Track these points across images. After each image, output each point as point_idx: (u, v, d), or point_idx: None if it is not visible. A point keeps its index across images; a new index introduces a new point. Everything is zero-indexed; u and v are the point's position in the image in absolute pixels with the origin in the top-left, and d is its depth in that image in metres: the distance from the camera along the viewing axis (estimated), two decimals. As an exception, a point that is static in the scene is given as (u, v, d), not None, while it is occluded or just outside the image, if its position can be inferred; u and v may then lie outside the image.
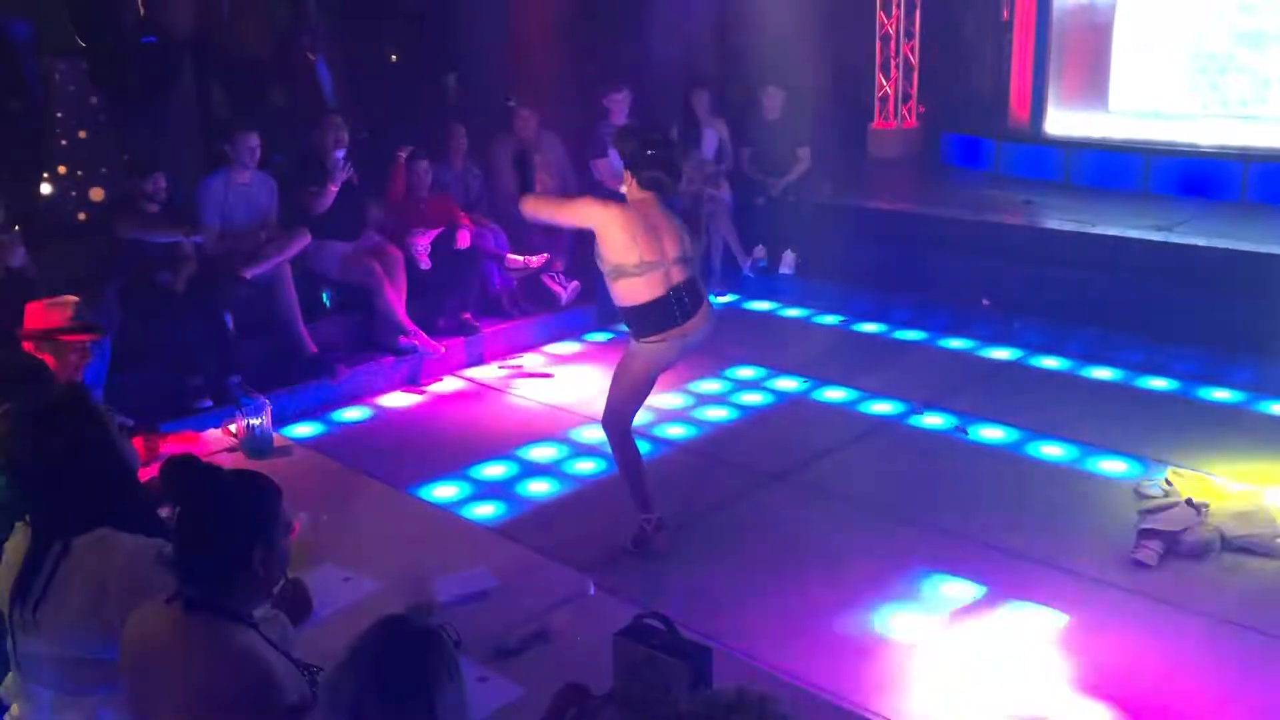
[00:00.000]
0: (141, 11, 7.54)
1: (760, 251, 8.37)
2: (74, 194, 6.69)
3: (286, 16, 7.90)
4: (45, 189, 6.70)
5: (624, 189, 4.37)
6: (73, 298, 3.92)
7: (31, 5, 7.48)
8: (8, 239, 5.57)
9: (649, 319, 4.26)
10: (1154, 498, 4.79)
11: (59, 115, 6.69)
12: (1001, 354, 6.91)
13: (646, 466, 4.65)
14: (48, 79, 6.69)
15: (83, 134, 6.73)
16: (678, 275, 4.27)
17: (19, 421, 2.46)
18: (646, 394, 4.57)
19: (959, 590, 4.29)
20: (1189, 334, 6.44)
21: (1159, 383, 6.34)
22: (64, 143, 6.69)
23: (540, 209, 4.63)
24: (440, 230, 6.95)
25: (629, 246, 4.19)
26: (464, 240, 6.99)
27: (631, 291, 4.25)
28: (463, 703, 1.93)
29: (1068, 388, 6.40)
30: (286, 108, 7.42)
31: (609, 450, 4.74)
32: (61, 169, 6.68)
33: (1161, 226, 7.22)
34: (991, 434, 5.72)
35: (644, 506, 4.55)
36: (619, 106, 8.05)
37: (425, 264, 6.89)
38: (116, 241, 6.03)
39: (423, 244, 6.90)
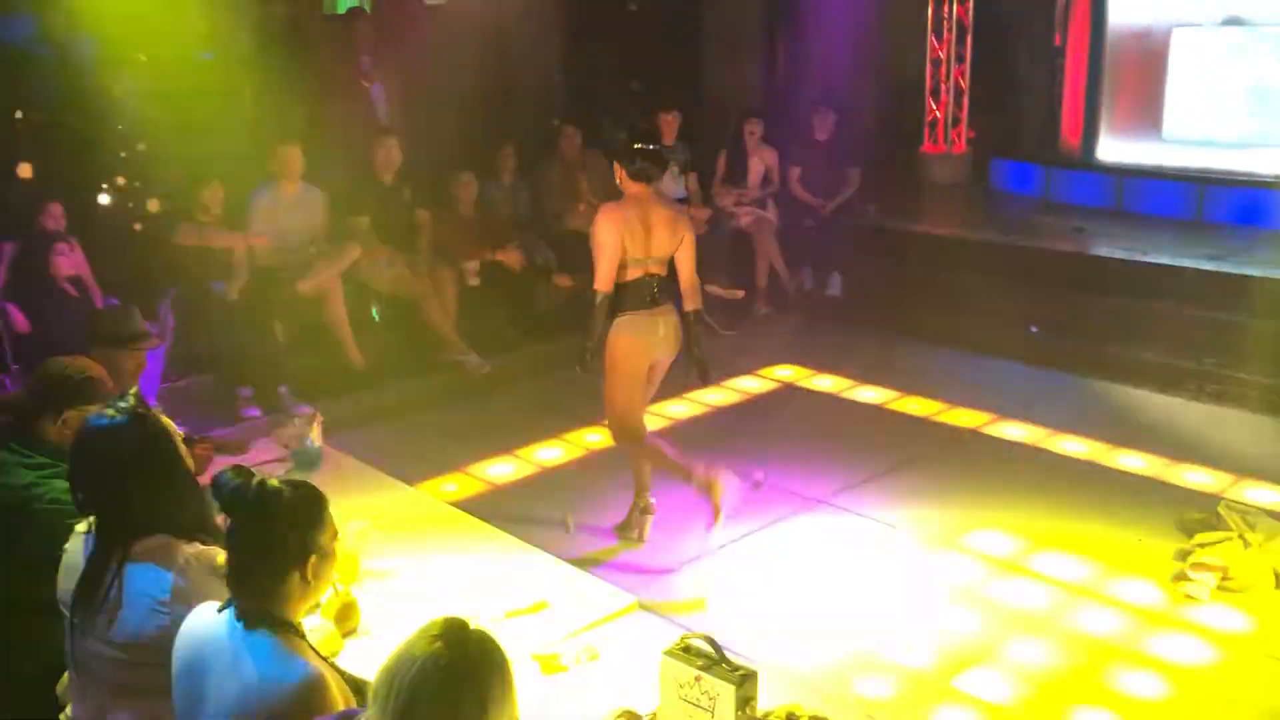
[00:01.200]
0: (201, 28, 7.68)
1: (806, 273, 8.35)
2: (131, 205, 6.81)
3: (342, 38, 8.00)
4: (104, 199, 6.83)
5: (616, 181, 4.65)
6: (132, 307, 3.97)
7: (94, 22, 7.64)
8: (68, 248, 5.70)
9: (625, 297, 4.59)
10: (1207, 528, 4.71)
11: (119, 128, 6.81)
12: (1051, 379, 6.85)
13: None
14: (109, 94, 6.82)
15: (141, 146, 6.85)
16: (655, 269, 4.62)
17: (85, 429, 2.51)
18: (645, 391, 4.72)
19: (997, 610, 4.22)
20: (1243, 362, 6.34)
21: (1216, 410, 6.26)
22: (123, 155, 6.82)
23: (604, 273, 4.59)
24: (490, 250, 7.01)
25: (627, 246, 4.54)
26: (515, 260, 7.03)
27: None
28: (514, 715, 1.92)
29: (1119, 413, 6.32)
30: (340, 125, 7.51)
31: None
32: (120, 180, 6.80)
33: (1215, 255, 7.13)
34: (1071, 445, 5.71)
35: (707, 467, 4.56)
36: (669, 127, 8.10)
37: (474, 281, 6.94)
38: (173, 251, 6.14)
39: (471, 263, 6.95)
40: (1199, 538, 4.59)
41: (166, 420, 2.58)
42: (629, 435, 4.71)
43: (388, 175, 6.89)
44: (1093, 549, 4.73)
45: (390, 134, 7.01)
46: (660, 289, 4.66)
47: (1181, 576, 4.40)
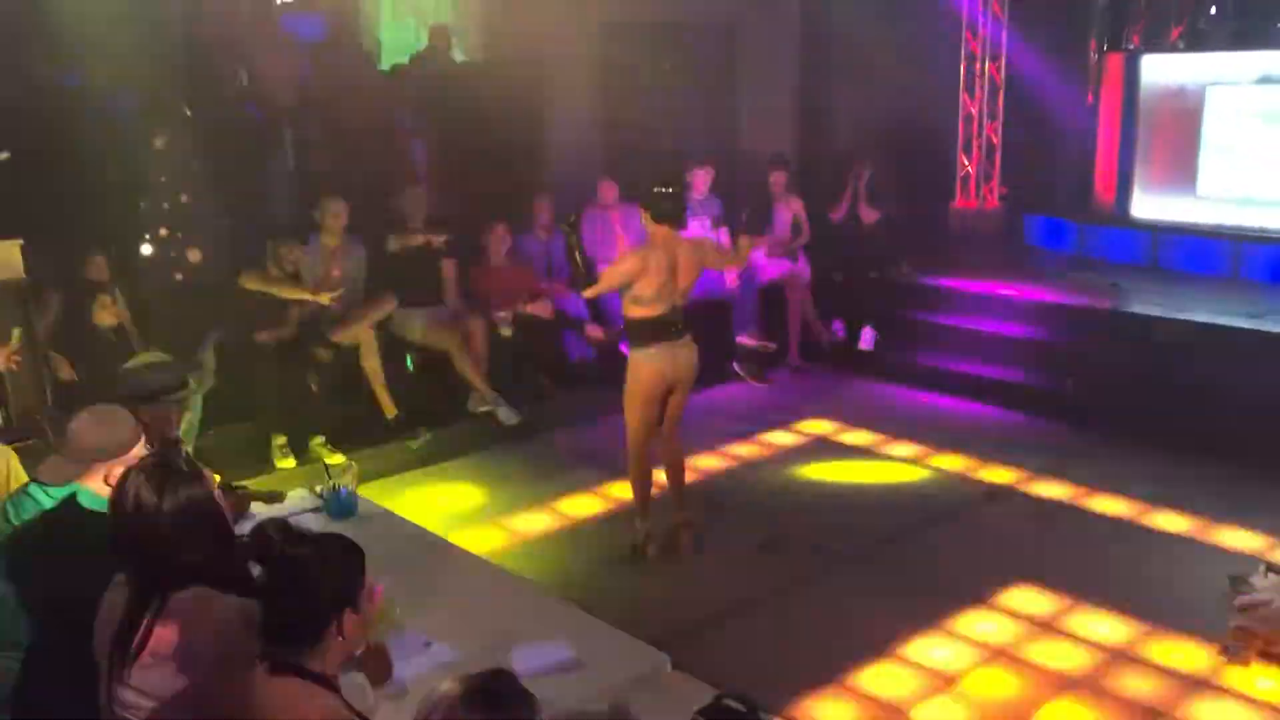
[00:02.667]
0: (244, 82, 7.85)
1: (837, 326, 8.35)
2: (173, 255, 6.91)
3: (384, 94, 8.14)
4: (146, 250, 6.94)
5: (644, 224, 5.03)
6: (164, 357, 4.03)
7: (140, 77, 7.82)
8: (110, 298, 5.79)
9: (647, 331, 4.96)
10: (1251, 588, 4.63)
11: (163, 180, 6.94)
12: (1087, 435, 6.78)
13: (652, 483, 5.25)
14: (152, 146, 6.95)
15: (184, 198, 6.96)
16: (679, 302, 5.01)
17: (124, 479, 2.54)
18: (656, 414, 5.11)
19: (1036, 673, 4.16)
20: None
21: (1256, 470, 6.15)
22: (166, 206, 6.93)
23: (601, 287, 5.23)
24: (522, 301, 7.06)
25: (650, 283, 4.90)
26: (547, 311, 7.09)
27: (637, 309, 4.97)
28: None
29: (1158, 471, 6.26)
30: (380, 178, 7.63)
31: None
32: (163, 231, 6.91)
33: (1253, 313, 7.07)
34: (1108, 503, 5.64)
35: (642, 515, 5.21)
36: (701, 181, 8.17)
37: (507, 332, 6.99)
38: (215, 299, 6.22)
39: (504, 313, 7.01)
40: (1242, 601, 4.51)
41: (203, 470, 2.61)
42: (630, 452, 5.17)
43: (415, 225, 6.96)
44: (1133, 610, 4.66)
45: (418, 184, 7.07)
46: (681, 320, 5.05)
47: (1224, 641, 4.31)
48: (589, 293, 5.36)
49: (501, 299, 7.07)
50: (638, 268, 4.92)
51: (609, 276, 5.08)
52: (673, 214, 5.03)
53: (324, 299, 6.31)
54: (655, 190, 5.04)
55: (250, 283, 6.23)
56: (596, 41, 9.10)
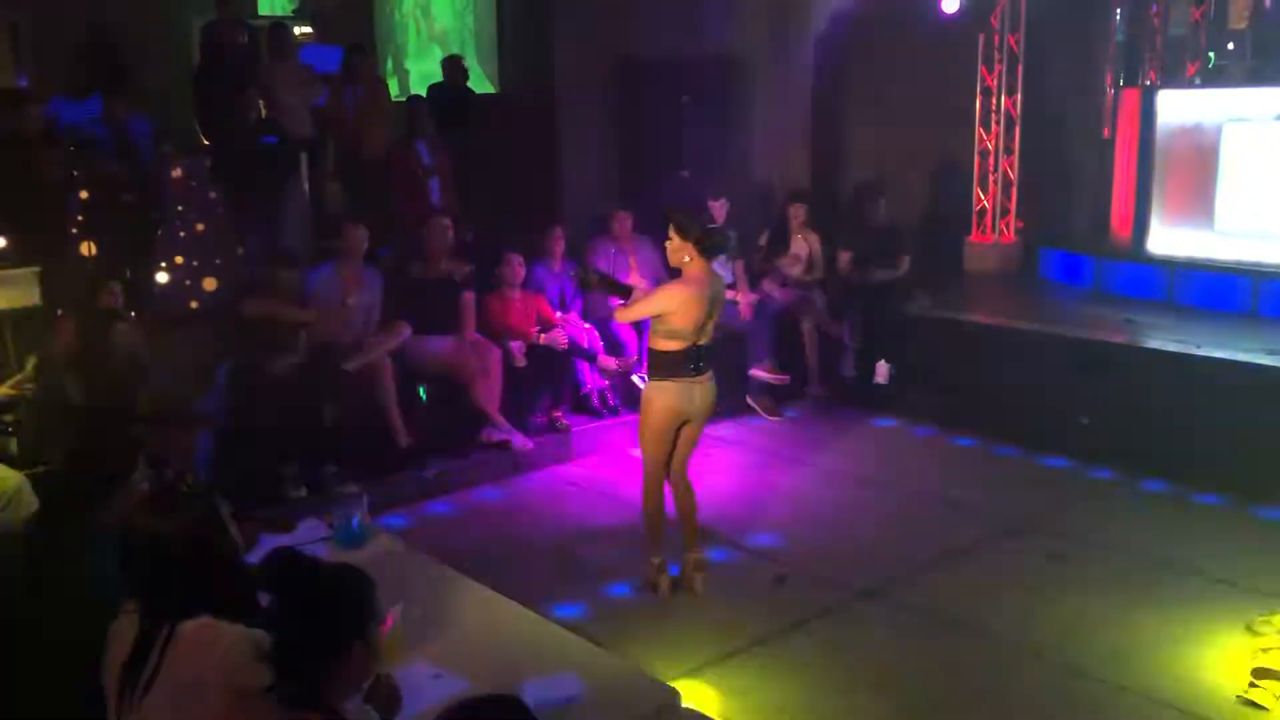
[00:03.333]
0: (263, 113, 7.92)
1: (849, 360, 8.31)
2: (188, 283, 6.95)
3: (402, 123, 8.20)
4: (161, 278, 6.98)
5: (685, 259, 4.94)
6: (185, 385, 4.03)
7: (159, 105, 7.91)
8: (125, 326, 5.81)
9: (669, 364, 4.95)
10: (1267, 635, 4.56)
11: (180, 209, 6.99)
12: (1102, 474, 6.72)
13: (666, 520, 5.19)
14: (168, 173, 7.01)
15: (200, 226, 7.02)
16: (704, 339, 4.99)
17: (137, 513, 2.53)
18: (670, 447, 5.09)
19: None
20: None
21: (1266, 511, 6.09)
22: (182, 234, 6.98)
23: (633, 313, 5.23)
24: (537, 335, 7.05)
25: (687, 317, 4.88)
26: (560, 341, 7.08)
27: (666, 342, 4.94)
28: None
29: (1174, 512, 6.19)
30: (397, 207, 7.67)
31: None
32: (179, 259, 6.95)
33: (1272, 351, 7.01)
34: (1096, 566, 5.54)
35: (654, 551, 5.17)
36: (718, 212, 8.18)
37: (520, 362, 6.98)
38: (228, 327, 6.23)
39: (518, 343, 7.01)
40: (1262, 642, 4.45)
41: (216, 500, 2.60)
42: (644, 486, 5.14)
43: (439, 255, 6.98)
44: (1157, 651, 4.59)
45: (443, 215, 7.11)
46: (704, 357, 5.02)
47: (1248, 684, 4.25)
48: (623, 315, 5.26)
49: (515, 328, 7.07)
50: (679, 300, 4.89)
51: (650, 303, 5.00)
52: (722, 250, 5.15)
53: (310, 318, 6.32)
54: (709, 228, 5.08)
55: (251, 309, 6.24)
56: (612, 74, 9.16)
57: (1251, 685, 4.22)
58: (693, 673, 4.41)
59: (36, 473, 5.05)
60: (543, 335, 7.10)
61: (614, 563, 5.49)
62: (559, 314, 7.38)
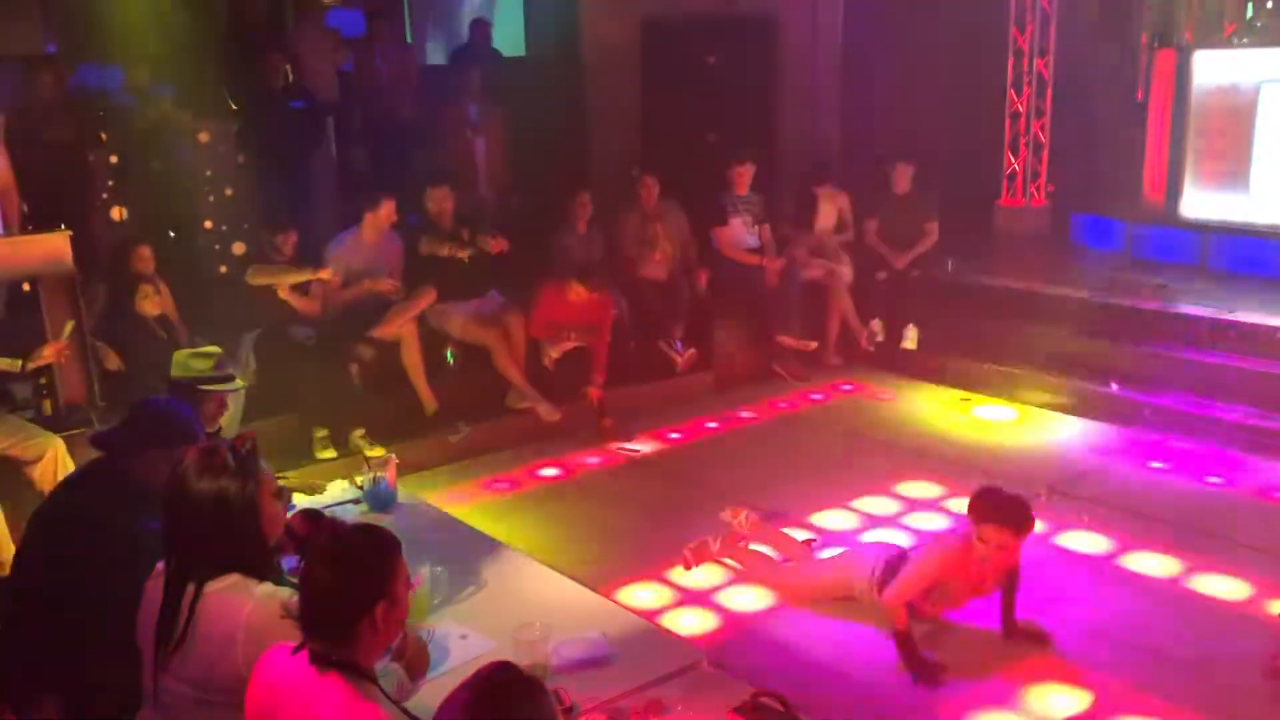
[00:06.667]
0: (290, 77, 7.92)
1: (876, 325, 8.27)
2: (218, 248, 6.99)
3: (451, 87, 8.18)
4: (191, 243, 7.02)
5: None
6: (215, 349, 4.05)
7: (186, 71, 7.91)
8: (154, 289, 5.86)
9: None
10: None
11: (208, 174, 7.01)
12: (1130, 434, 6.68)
13: None
14: (197, 140, 7.03)
15: (229, 191, 7.04)
16: None
17: (182, 472, 2.55)
18: None
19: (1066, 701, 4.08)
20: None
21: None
22: (211, 199, 7.01)
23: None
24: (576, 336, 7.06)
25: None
26: (597, 388, 7.01)
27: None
28: None
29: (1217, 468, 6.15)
30: (432, 170, 7.64)
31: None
32: (208, 224, 6.99)
33: (1305, 314, 6.93)
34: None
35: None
36: (742, 179, 8.13)
37: (550, 364, 7.00)
38: (255, 293, 6.28)
39: (554, 349, 7.00)
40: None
41: (263, 465, 2.62)
42: None
43: (444, 222, 6.97)
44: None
45: (443, 184, 7.07)
46: None
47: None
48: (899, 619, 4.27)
49: (560, 331, 7.04)
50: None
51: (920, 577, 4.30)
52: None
53: (324, 275, 6.34)
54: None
55: (257, 278, 6.28)
56: (638, 35, 9.10)
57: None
58: (719, 632, 4.42)
59: (74, 434, 5.16)
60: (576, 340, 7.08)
61: (641, 528, 5.50)
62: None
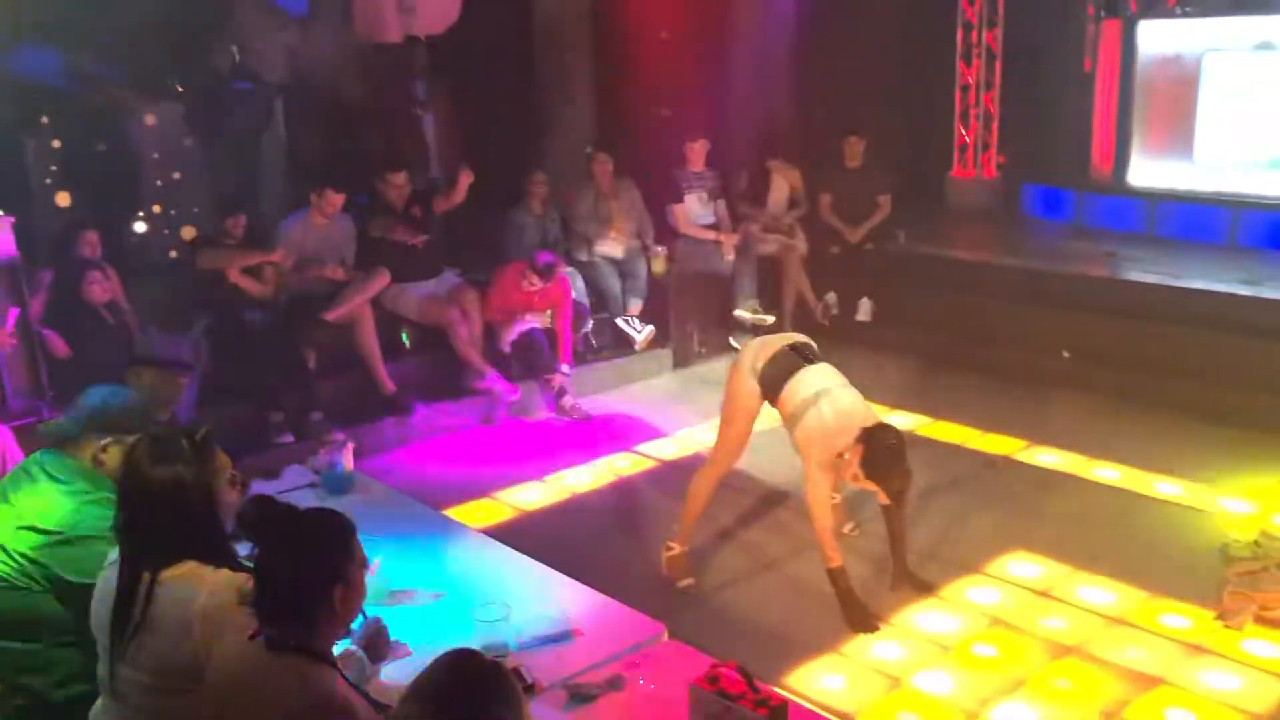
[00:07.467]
0: (236, 58, 7.80)
1: (832, 298, 8.32)
2: (167, 232, 6.90)
3: (399, 65, 8.09)
4: (139, 227, 6.92)
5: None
6: (174, 338, 4.03)
7: (131, 52, 7.76)
8: (103, 276, 5.77)
9: None
10: (1244, 558, 4.64)
11: (155, 157, 6.92)
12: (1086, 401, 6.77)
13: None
14: (143, 123, 6.92)
15: (177, 175, 6.96)
16: None
17: (139, 458, 2.53)
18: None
19: (1033, 639, 4.20)
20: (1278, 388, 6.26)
21: (1254, 437, 6.14)
22: (159, 183, 6.92)
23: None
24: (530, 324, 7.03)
25: None
26: (562, 374, 6.99)
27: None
28: None
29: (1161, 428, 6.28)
30: (381, 151, 7.57)
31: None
32: (156, 208, 6.90)
33: (1250, 280, 7.05)
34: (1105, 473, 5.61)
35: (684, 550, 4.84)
36: (696, 155, 8.14)
37: (506, 348, 6.97)
38: (204, 279, 6.21)
39: (508, 335, 6.97)
40: (1236, 567, 4.52)
41: (217, 451, 2.60)
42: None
43: (398, 206, 6.92)
44: (1131, 577, 4.67)
45: (399, 169, 7.01)
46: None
47: (1219, 606, 4.33)
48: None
49: (516, 315, 7.00)
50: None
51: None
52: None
53: (275, 257, 6.30)
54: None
55: (206, 262, 6.21)
56: (590, 10, 9.05)
57: (1226, 610, 4.30)
58: (681, 608, 4.46)
59: (22, 424, 5.07)
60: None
61: (602, 502, 5.53)
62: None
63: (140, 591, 2.42)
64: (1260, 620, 4.26)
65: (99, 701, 2.56)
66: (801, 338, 4.68)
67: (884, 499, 4.44)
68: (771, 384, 4.49)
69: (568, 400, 6.91)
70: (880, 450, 4.20)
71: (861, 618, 4.35)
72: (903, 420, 6.62)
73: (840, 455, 4.27)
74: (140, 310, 6.00)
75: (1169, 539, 5.03)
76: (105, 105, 7.09)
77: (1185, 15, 8.90)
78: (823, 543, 4.43)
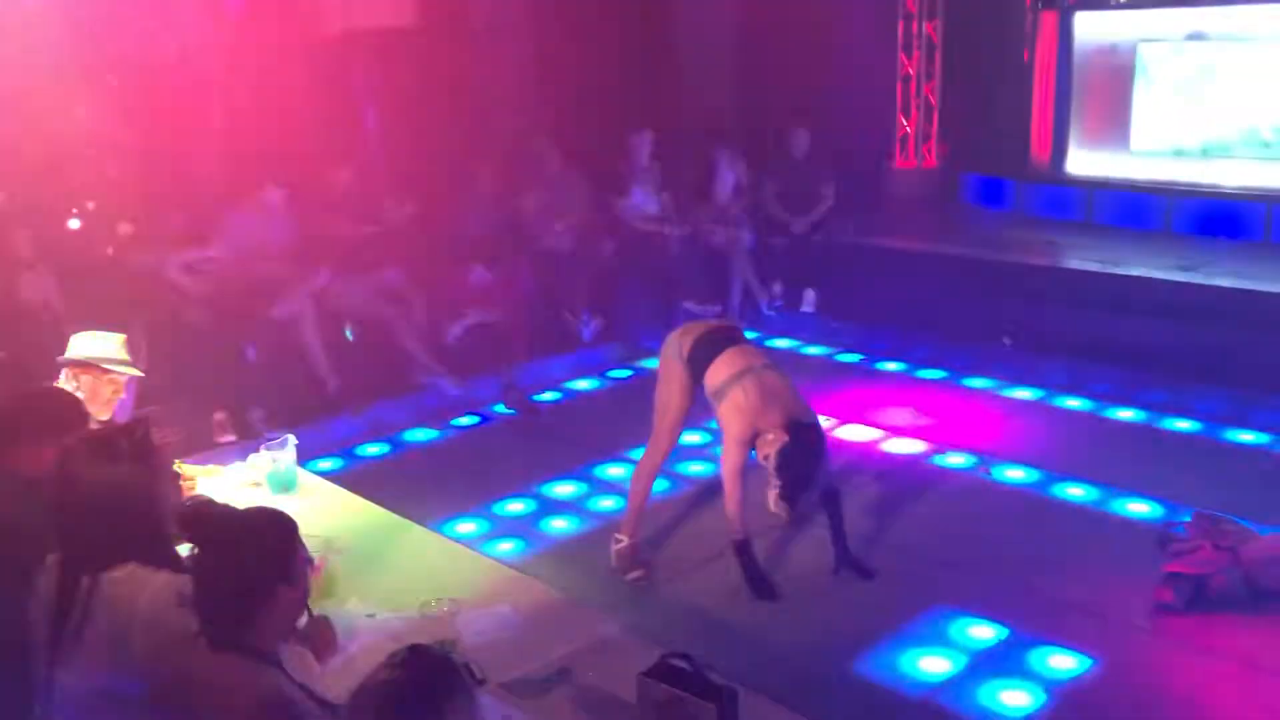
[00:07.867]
0: (175, 50, 7.65)
1: (778, 289, 8.37)
2: (102, 229, 6.75)
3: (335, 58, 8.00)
4: (74, 224, 6.77)
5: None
6: (119, 334, 3.95)
7: (60, 43, 7.58)
8: (36, 274, 5.65)
9: None
10: (1177, 539, 4.73)
11: (88, 151, 6.76)
12: (1024, 394, 6.85)
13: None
14: (76, 116, 6.77)
15: (110, 170, 6.81)
16: None
17: (73, 461, 2.48)
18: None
19: (982, 632, 4.26)
20: (1213, 375, 6.39)
21: (1183, 424, 6.27)
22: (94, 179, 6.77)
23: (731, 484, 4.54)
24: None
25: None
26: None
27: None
28: None
29: (1092, 428, 6.35)
30: (323, 144, 7.47)
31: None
32: (90, 204, 6.75)
33: (1186, 267, 7.20)
34: (1014, 474, 5.69)
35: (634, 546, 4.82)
36: (642, 147, 8.13)
37: (452, 341, 6.93)
38: (141, 276, 6.09)
39: (456, 327, 6.93)
40: (1173, 549, 4.61)
41: (158, 450, 2.56)
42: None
43: (345, 200, 6.85)
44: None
45: (347, 163, 6.93)
46: None
47: (1158, 586, 4.42)
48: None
49: (463, 309, 6.96)
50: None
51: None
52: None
53: (213, 254, 6.23)
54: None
55: (143, 258, 6.11)
56: (529, 3, 9.00)
57: (1162, 589, 4.38)
58: (630, 600, 4.47)
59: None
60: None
61: (548, 500, 5.52)
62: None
63: (79, 597, 2.38)
64: (1198, 599, 4.33)
65: (36, 710, 2.50)
66: (727, 321, 4.71)
67: (773, 494, 4.38)
68: (697, 366, 4.53)
69: (516, 394, 6.88)
70: (800, 450, 4.25)
71: (763, 588, 4.46)
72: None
73: (760, 434, 4.31)
74: (76, 309, 5.87)
75: (1113, 526, 5.11)
76: (34, 98, 6.92)
77: (1120, 6, 9.05)
78: (731, 514, 4.50)
